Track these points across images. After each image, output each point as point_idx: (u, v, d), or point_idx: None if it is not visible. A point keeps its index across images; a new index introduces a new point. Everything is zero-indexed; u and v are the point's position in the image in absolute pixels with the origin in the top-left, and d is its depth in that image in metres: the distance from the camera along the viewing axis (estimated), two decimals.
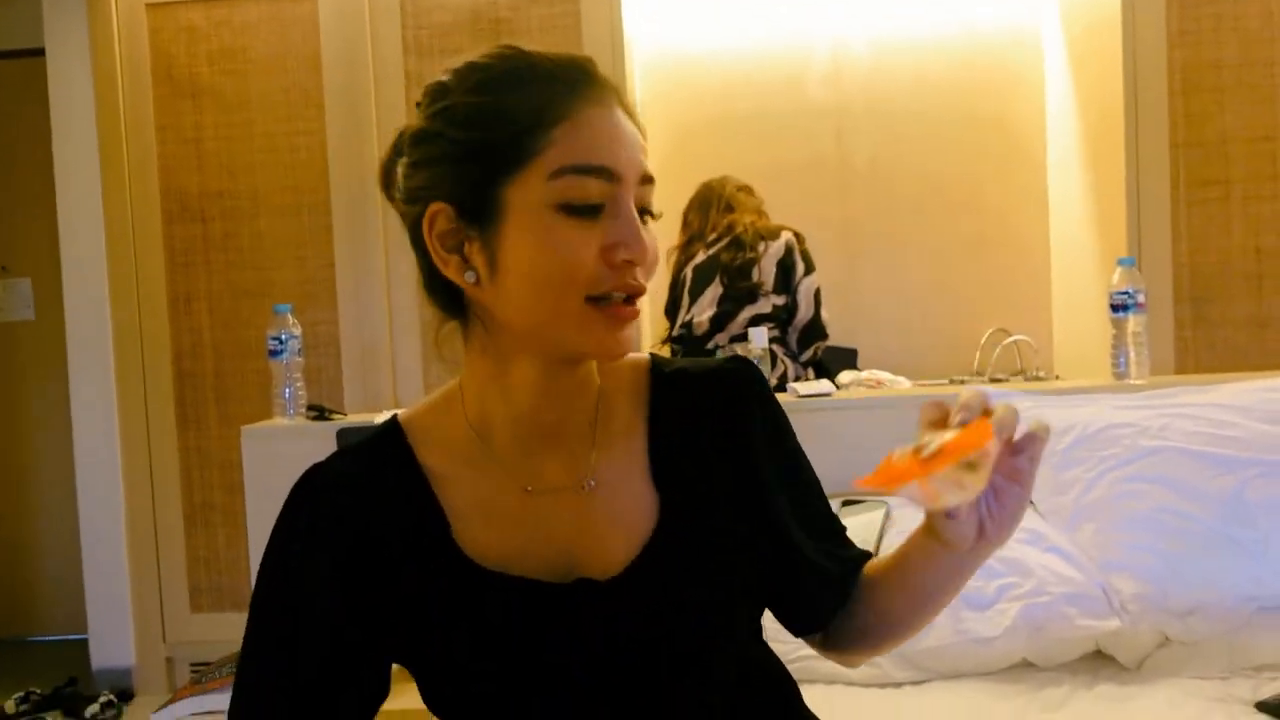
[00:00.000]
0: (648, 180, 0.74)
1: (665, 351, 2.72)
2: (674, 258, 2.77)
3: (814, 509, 0.85)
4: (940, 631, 1.53)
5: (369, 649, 0.77)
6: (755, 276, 2.59)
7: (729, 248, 2.63)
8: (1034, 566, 1.60)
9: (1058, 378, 2.69)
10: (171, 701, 1.54)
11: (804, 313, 2.63)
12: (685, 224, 2.78)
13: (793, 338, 2.66)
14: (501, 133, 0.71)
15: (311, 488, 0.78)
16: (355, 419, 1.94)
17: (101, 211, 2.78)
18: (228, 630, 2.65)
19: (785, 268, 2.61)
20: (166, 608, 2.83)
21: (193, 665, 2.74)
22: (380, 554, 0.76)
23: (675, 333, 2.73)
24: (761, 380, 0.85)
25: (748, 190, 2.77)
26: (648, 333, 2.99)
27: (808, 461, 0.87)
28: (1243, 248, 2.56)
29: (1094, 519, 1.69)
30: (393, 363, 2.77)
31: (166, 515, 2.82)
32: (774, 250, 2.61)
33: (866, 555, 0.86)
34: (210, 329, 2.82)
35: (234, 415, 2.74)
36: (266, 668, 0.77)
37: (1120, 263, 2.02)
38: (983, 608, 1.56)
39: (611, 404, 0.81)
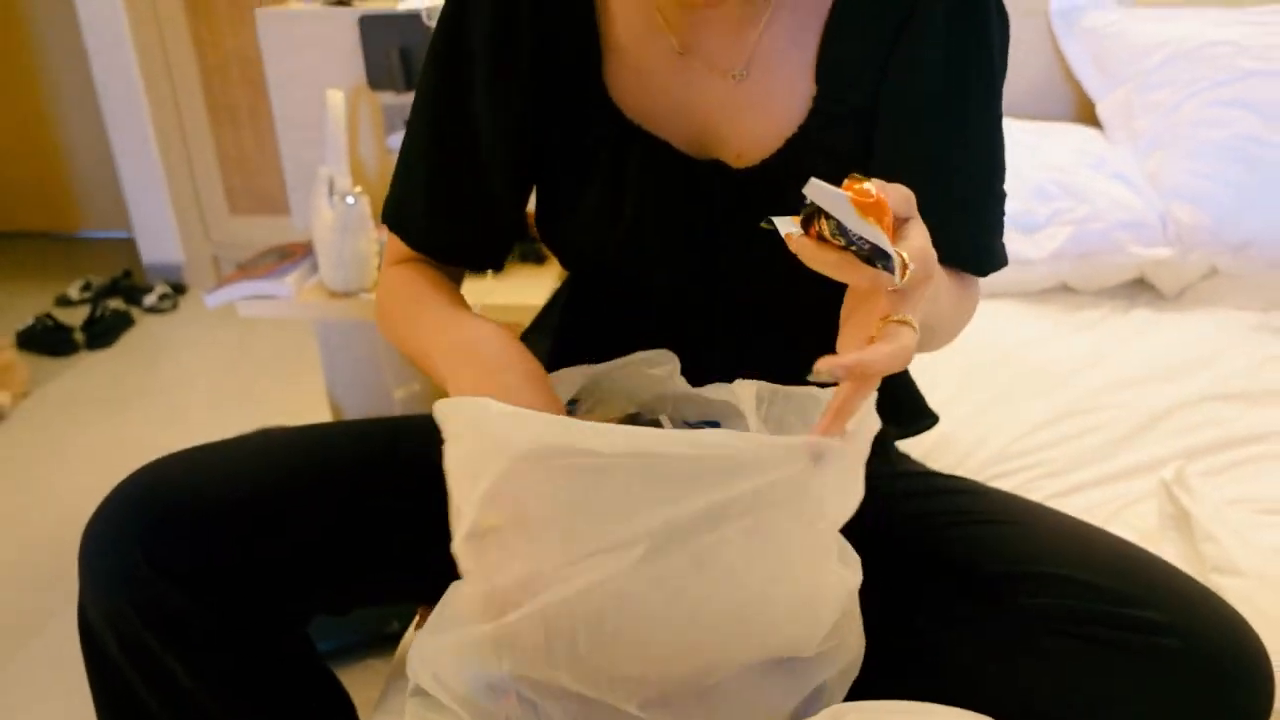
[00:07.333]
0: None
1: None
2: None
3: (956, 169, 0.72)
4: None
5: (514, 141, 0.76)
6: None
7: None
8: (1093, 194, 1.54)
9: None
10: (221, 285, 1.58)
11: None
12: None
13: None
14: None
15: None
16: (379, 6, 1.78)
17: None
18: (269, 233, 2.70)
19: None
20: (206, 208, 2.87)
21: (239, 265, 2.83)
22: (532, 64, 0.74)
23: None
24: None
25: None
26: None
27: (993, 119, 0.72)
28: None
29: (1167, 145, 1.59)
30: None
31: (192, 113, 2.75)
32: None
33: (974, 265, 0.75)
34: None
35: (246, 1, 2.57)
36: (418, 139, 0.77)
37: None
38: (1031, 230, 1.52)
39: None
